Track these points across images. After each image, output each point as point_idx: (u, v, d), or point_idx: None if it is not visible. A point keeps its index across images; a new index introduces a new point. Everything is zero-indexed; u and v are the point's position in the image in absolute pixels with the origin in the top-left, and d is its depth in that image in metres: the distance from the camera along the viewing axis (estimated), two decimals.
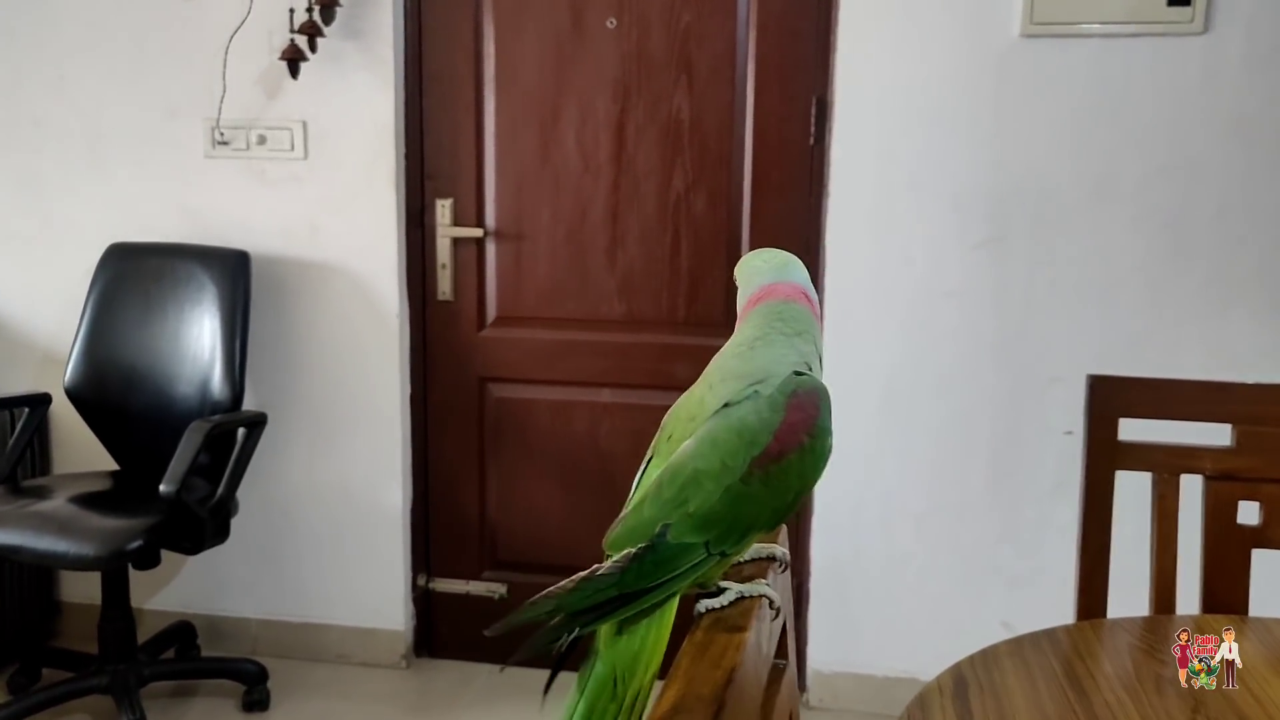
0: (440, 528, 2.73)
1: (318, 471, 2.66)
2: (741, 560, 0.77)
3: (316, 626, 2.71)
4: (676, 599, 0.71)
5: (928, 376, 2.44)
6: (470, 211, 2.60)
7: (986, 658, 1.27)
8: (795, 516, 2.59)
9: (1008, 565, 2.45)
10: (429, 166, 2.61)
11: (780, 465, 0.71)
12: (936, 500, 2.47)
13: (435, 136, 2.59)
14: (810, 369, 0.77)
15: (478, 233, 2.59)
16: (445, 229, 2.60)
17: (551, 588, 0.68)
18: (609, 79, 2.51)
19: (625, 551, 0.69)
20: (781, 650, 0.78)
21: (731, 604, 0.71)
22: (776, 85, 2.47)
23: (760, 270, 0.85)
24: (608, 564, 0.69)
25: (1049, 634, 1.34)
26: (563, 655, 0.71)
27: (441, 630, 2.76)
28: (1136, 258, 2.32)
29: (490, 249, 2.61)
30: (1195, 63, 2.24)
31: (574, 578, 0.68)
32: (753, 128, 2.49)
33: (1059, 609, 1.78)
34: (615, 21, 2.49)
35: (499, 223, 2.60)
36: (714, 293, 2.55)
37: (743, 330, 0.79)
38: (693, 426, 0.73)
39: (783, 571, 0.81)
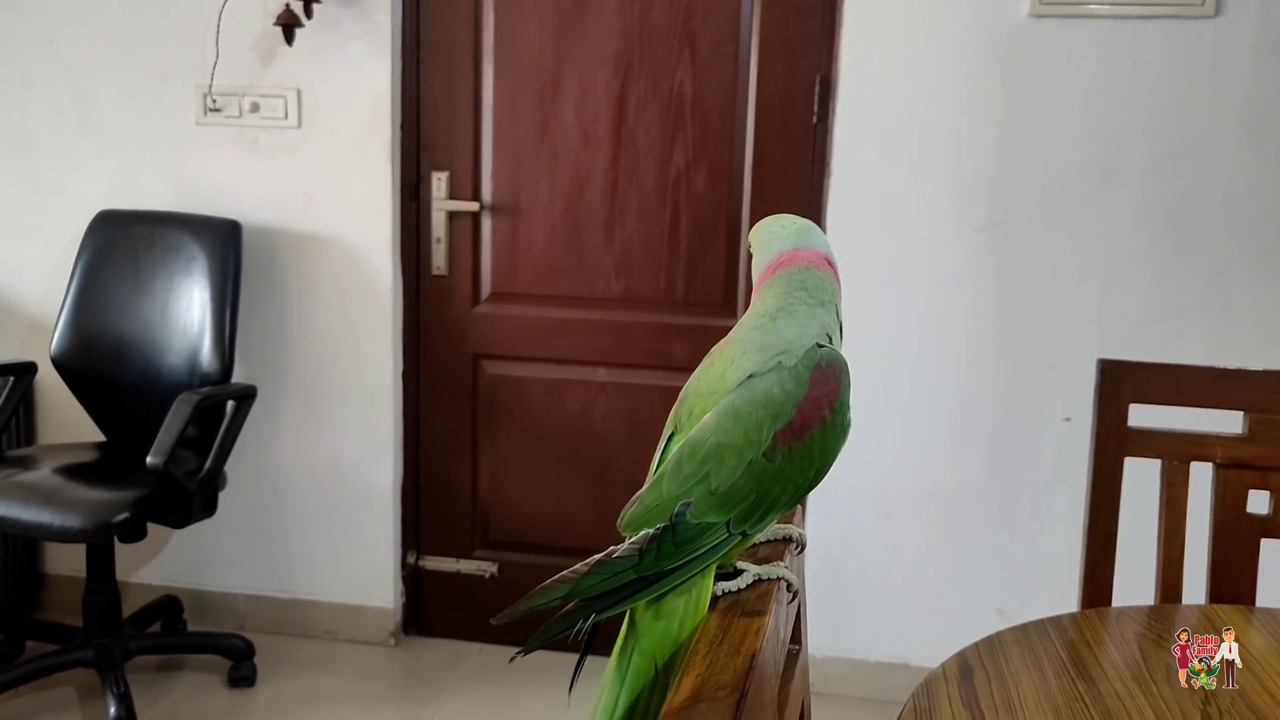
0: (431, 505, 2.70)
1: (308, 446, 2.62)
2: (758, 542, 0.74)
3: (305, 603, 2.68)
4: (710, 578, 0.68)
5: (928, 361, 2.41)
6: (466, 185, 2.56)
7: (992, 645, 1.25)
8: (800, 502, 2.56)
9: (1004, 552, 2.44)
10: (425, 138, 2.56)
11: (803, 440, 0.68)
12: (934, 485, 2.45)
13: (432, 107, 2.55)
14: (831, 340, 0.74)
15: (474, 206, 2.55)
16: (441, 202, 2.56)
17: (564, 571, 0.65)
18: (610, 52, 2.47)
19: (643, 532, 0.66)
20: (795, 635, 0.75)
21: (749, 587, 0.68)
22: (780, 62, 2.43)
23: (779, 236, 0.81)
24: (624, 546, 0.66)
25: (1055, 622, 1.32)
26: (587, 643, 0.67)
27: (431, 608, 2.73)
28: (1141, 244, 2.29)
29: (486, 223, 2.57)
30: (1206, 47, 2.20)
31: (589, 561, 0.65)
32: (755, 105, 2.45)
33: (1055, 597, 1.76)
34: None
35: (495, 197, 2.56)
36: (713, 272, 2.51)
37: (763, 299, 0.76)
38: (713, 400, 0.70)
39: (799, 554, 0.78)
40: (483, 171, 2.56)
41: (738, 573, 0.69)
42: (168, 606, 2.62)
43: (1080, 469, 1.53)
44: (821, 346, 0.72)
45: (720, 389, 0.70)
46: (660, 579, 0.65)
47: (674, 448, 0.72)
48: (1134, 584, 1.54)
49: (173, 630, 2.63)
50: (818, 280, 0.77)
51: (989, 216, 2.34)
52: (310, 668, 2.54)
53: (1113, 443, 1.49)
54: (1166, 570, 1.47)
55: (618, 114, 2.49)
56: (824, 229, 2.42)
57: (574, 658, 0.71)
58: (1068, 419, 2.36)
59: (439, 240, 2.58)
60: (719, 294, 2.52)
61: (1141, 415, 1.49)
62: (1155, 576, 1.48)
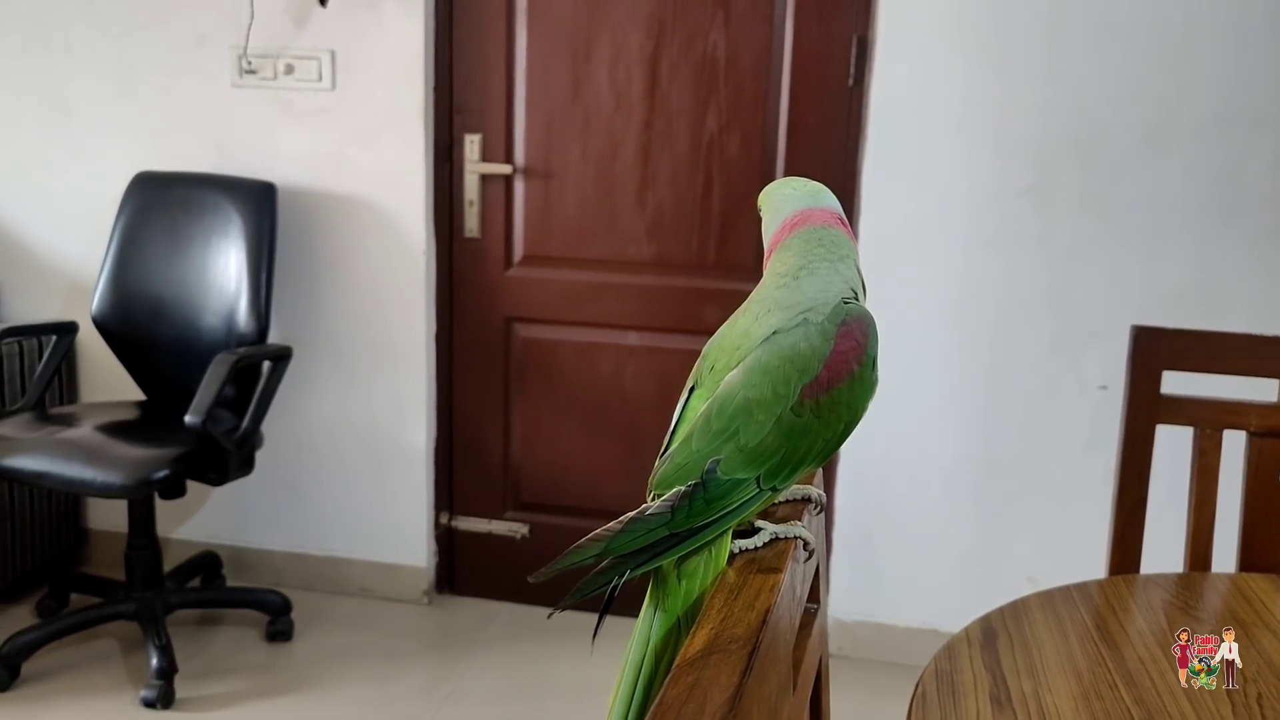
0: (464, 466, 2.73)
1: (343, 407, 2.66)
2: (776, 501, 0.74)
3: (340, 560, 2.73)
4: (729, 537, 0.68)
5: (963, 327, 2.39)
6: (499, 147, 2.56)
7: (1016, 609, 1.25)
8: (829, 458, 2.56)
9: (1036, 521, 2.42)
10: (458, 100, 2.56)
11: (830, 395, 0.69)
12: (966, 452, 2.44)
13: (465, 69, 2.55)
14: (856, 296, 0.74)
15: (506, 169, 2.55)
16: (474, 165, 2.56)
17: (598, 530, 0.65)
18: (644, 14, 2.45)
19: (675, 490, 0.67)
20: (814, 594, 0.75)
21: (766, 545, 0.69)
22: (816, 23, 2.40)
23: (791, 198, 0.81)
24: (656, 503, 0.67)
25: (1080, 588, 1.32)
26: (610, 599, 0.68)
27: (463, 568, 2.77)
28: (1186, 210, 2.25)
29: (519, 186, 2.57)
30: (1259, 6, 2.15)
31: (621, 519, 0.66)
32: (790, 67, 2.43)
33: (1088, 566, 1.75)
34: None
35: (528, 159, 2.56)
36: (745, 236, 2.50)
37: (782, 258, 0.76)
38: (739, 355, 0.70)
39: (818, 514, 0.78)
40: (515, 134, 2.56)
41: (755, 531, 0.70)
42: (207, 562, 2.68)
43: (1116, 439, 1.51)
44: (848, 302, 0.72)
45: (745, 345, 0.70)
46: (692, 535, 0.66)
47: (695, 403, 0.72)
48: (1164, 552, 1.53)
49: (212, 585, 2.69)
50: (834, 238, 0.77)
51: (1028, 181, 2.31)
52: (345, 624, 2.59)
53: (1145, 410, 1.47)
54: (1196, 538, 1.46)
55: (651, 77, 2.48)
56: (859, 193, 2.40)
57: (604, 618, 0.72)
58: (1104, 387, 2.33)
59: (472, 203, 2.58)
60: (750, 258, 2.51)
61: (1177, 383, 1.48)
62: (1185, 545, 1.47)
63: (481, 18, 2.51)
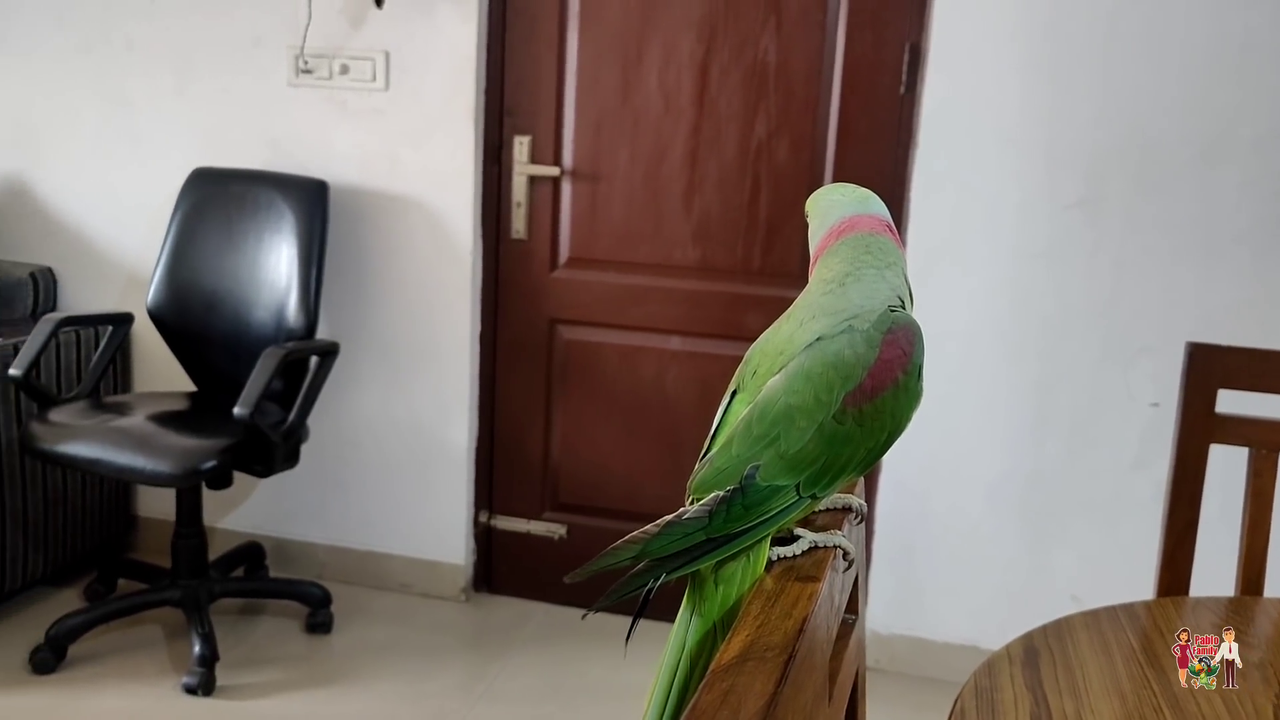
0: (504, 466, 2.74)
1: (387, 404, 2.68)
2: (816, 510, 0.74)
3: (380, 555, 2.75)
4: (767, 544, 0.68)
5: (1010, 339, 2.36)
6: (548, 149, 2.57)
7: (1060, 628, 1.23)
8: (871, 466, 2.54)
9: (1082, 539, 2.38)
10: (509, 102, 2.58)
11: (874, 403, 0.68)
12: (1010, 467, 2.40)
13: (516, 71, 2.56)
14: (903, 304, 0.73)
15: (554, 171, 2.56)
16: (522, 166, 2.58)
17: (635, 532, 0.65)
18: (695, 18, 2.45)
19: (713, 494, 0.66)
20: (852, 605, 0.74)
21: (804, 553, 0.68)
22: (869, 30, 2.39)
23: (839, 204, 0.80)
24: (694, 507, 0.66)
25: (1127, 609, 1.29)
26: (644, 602, 0.68)
27: (501, 567, 2.78)
28: (1241, 225, 2.21)
29: (566, 188, 2.59)
30: None
31: (659, 522, 0.65)
32: (841, 74, 2.42)
33: (1133, 588, 1.72)
34: None
35: (576, 162, 2.57)
36: (791, 243, 2.49)
37: (829, 264, 0.76)
38: (782, 361, 0.69)
39: (858, 523, 0.77)
40: (564, 136, 2.57)
41: (794, 538, 0.69)
42: (251, 553, 2.72)
43: (1167, 456, 1.48)
44: (894, 310, 0.71)
45: (788, 350, 0.70)
46: (729, 541, 0.65)
47: (736, 407, 0.72)
48: (1215, 574, 1.50)
49: (255, 576, 2.72)
50: (883, 245, 0.76)
51: (1080, 192, 2.28)
52: (384, 618, 2.62)
53: (1198, 429, 1.44)
54: (1249, 562, 1.42)
55: (700, 81, 2.47)
56: (907, 201, 2.38)
57: (639, 622, 0.72)
58: (1155, 404, 2.29)
59: (519, 204, 2.60)
60: (796, 265, 2.50)
61: (1232, 402, 1.44)
62: (1236, 568, 1.44)
63: (534, 21, 2.53)
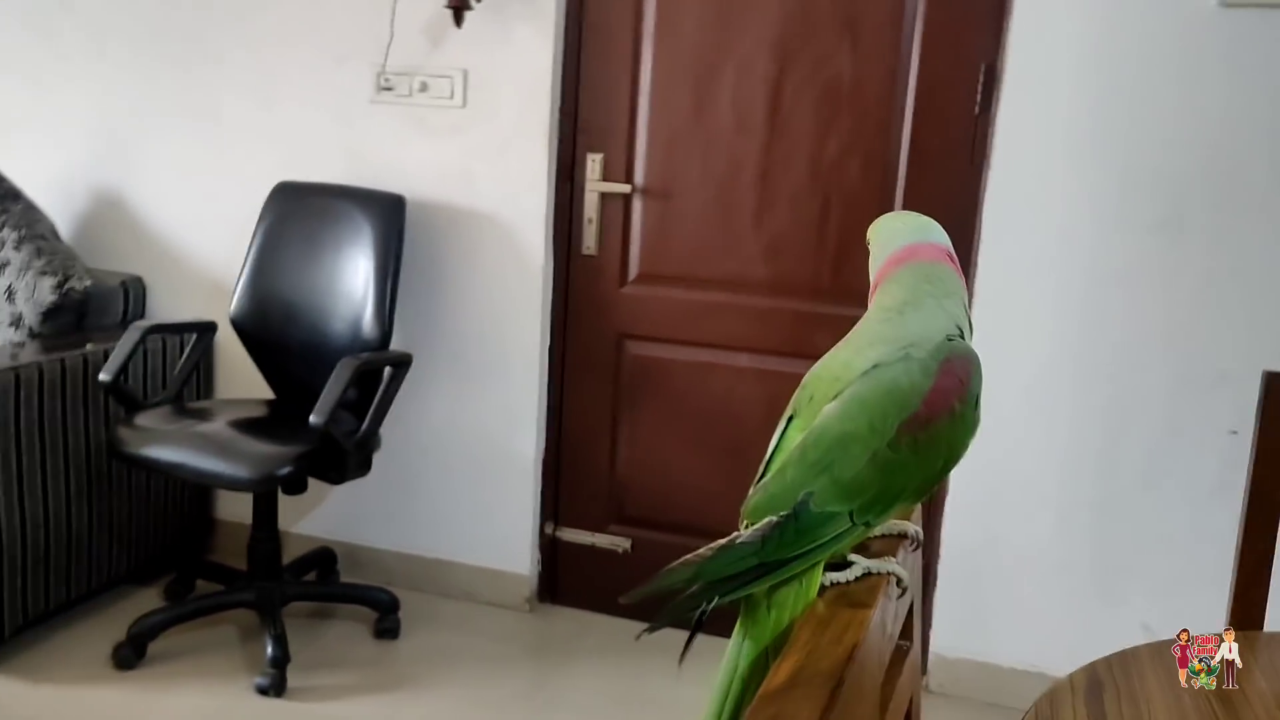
0: (570, 478, 2.77)
1: (457, 414, 2.73)
2: (871, 535, 0.74)
3: (447, 564, 2.80)
4: (820, 569, 0.68)
5: (1083, 363, 2.32)
6: (620, 167, 2.60)
7: (1126, 660, 1.21)
8: (927, 495, 2.52)
9: (1154, 568, 2.33)
10: (582, 120, 2.62)
11: (929, 432, 0.68)
12: (1081, 493, 2.36)
13: (590, 90, 2.60)
14: (962, 334, 0.73)
15: (625, 188, 2.59)
16: (594, 183, 2.61)
17: (689, 555, 0.67)
18: (769, 38, 2.46)
19: (766, 519, 0.67)
20: (906, 631, 0.75)
21: (858, 579, 0.69)
22: (945, 50, 2.37)
23: (900, 231, 0.81)
24: (748, 532, 0.67)
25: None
26: (699, 621, 0.69)
27: (565, 578, 2.81)
28: None
29: (637, 205, 2.61)
30: None
31: (713, 545, 0.66)
32: (915, 93, 2.41)
33: (1206, 620, 1.68)
34: None
35: (647, 179, 2.60)
36: (861, 262, 2.45)
37: (889, 292, 0.76)
38: (838, 387, 0.70)
39: (914, 550, 0.78)
40: (636, 154, 2.60)
41: (848, 564, 0.70)
42: (323, 557, 2.79)
43: (1244, 486, 1.45)
44: (952, 340, 0.71)
45: (845, 377, 0.70)
46: (782, 566, 0.66)
47: (792, 432, 0.73)
48: None
49: (327, 580, 2.79)
50: (942, 274, 0.76)
51: (1158, 215, 2.23)
52: (449, 625, 2.66)
53: (1275, 458, 1.41)
54: None
55: (773, 100, 2.48)
56: (979, 222, 2.36)
57: (697, 637, 0.73)
58: (1234, 432, 2.23)
59: (590, 220, 2.63)
60: (866, 284, 2.48)
61: None
62: None
63: (609, 40, 2.57)
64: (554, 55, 2.54)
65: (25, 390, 2.30)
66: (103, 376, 2.37)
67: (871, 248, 0.83)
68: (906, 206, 2.45)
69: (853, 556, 0.71)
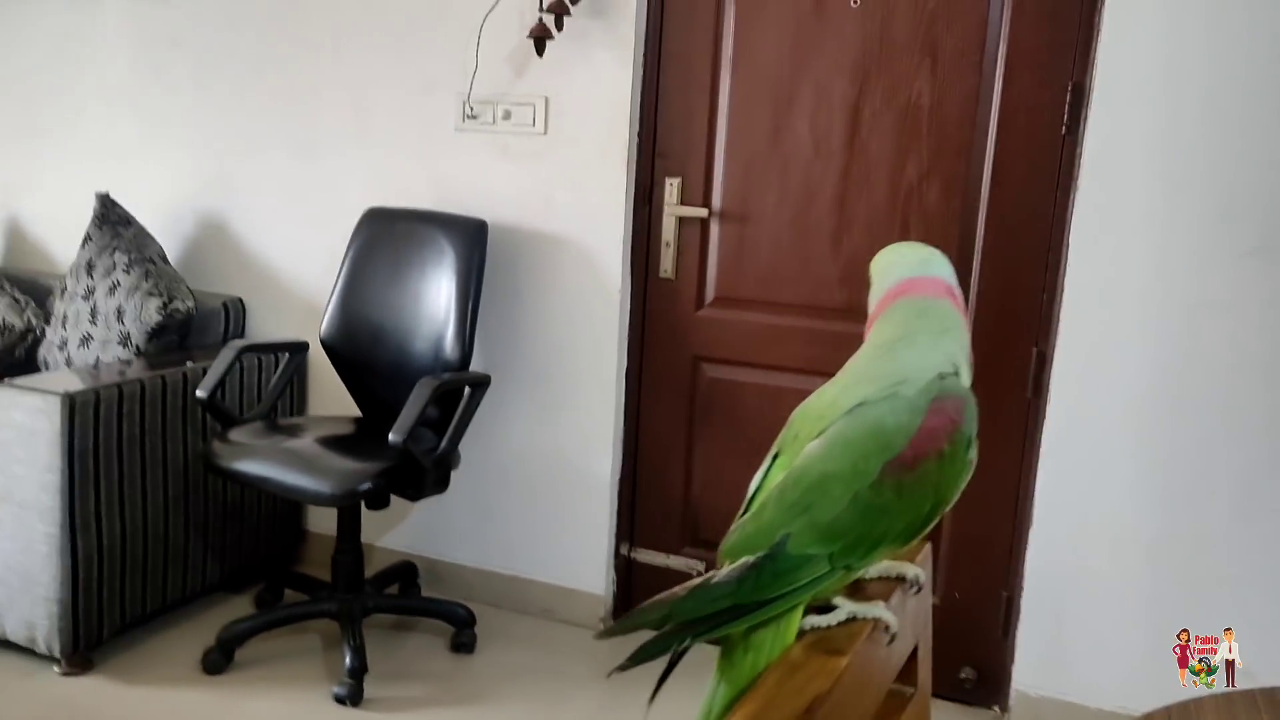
0: (646, 500, 2.79)
1: (535, 434, 2.77)
2: (869, 578, 0.73)
3: (524, 581, 2.84)
4: (799, 612, 0.67)
5: (1176, 392, 2.23)
6: (697, 191, 2.61)
7: (1188, 711, 1.16)
8: (1011, 526, 2.45)
9: (1253, 608, 2.22)
10: (661, 145, 2.64)
11: (915, 473, 0.66)
12: (1173, 528, 2.26)
13: (669, 115, 2.62)
14: (957, 372, 0.71)
15: (702, 213, 2.60)
16: (672, 207, 2.63)
17: (663, 594, 0.67)
18: (847, 62, 2.44)
19: (742, 560, 0.67)
20: (910, 676, 0.73)
21: (841, 624, 0.68)
22: (1030, 70, 2.32)
23: (897, 264, 0.79)
24: (723, 572, 0.67)
25: (1269, 694, 1.20)
26: (673, 662, 0.69)
27: (640, 598, 2.79)
28: None
29: (714, 229, 2.62)
30: None
31: (687, 584, 0.66)
32: (998, 115, 2.36)
33: None
34: (859, 1, 2.42)
35: (725, 203, 2.60)
36: None
37: (880, 329, 0.74)
38: (822, 425, 0.69)
39: (915, 594, 0.76)
40: (714, 178, 2.60)
41: (832, 608, 0.69)
42: (406, 571, 2.86)
43: None
44: (944, 378, 0.69)
45: (830, 415, 0.69)
46: (758, 608, 0.65)
47: (775, 470, 0.72)
48: None
49: (408, 593, 2.86)
50: (939, 309, 0.74)
51: (1257, 239, 2.14)
52: (525, 642, 2.69)
53: None
54: None
55: (851, 124, 2.46)
56: (1066, 246, 2.29)
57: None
58: None
59: (668, 244, 2.65)
60: None
61: None
62: None
63: (688, 66, 2.58)
64: (633, 81, 2.57)
65: (128, 404, 2.42)
66: (199, 393, 2.48)
67: (872, 281, 0.81)
68: (988, 230, 2.39)
69: (838, 600, 0.69)
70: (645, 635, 0.72)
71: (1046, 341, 2.37)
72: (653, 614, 0.66)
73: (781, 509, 0.67)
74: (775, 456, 0.73)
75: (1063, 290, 2.30)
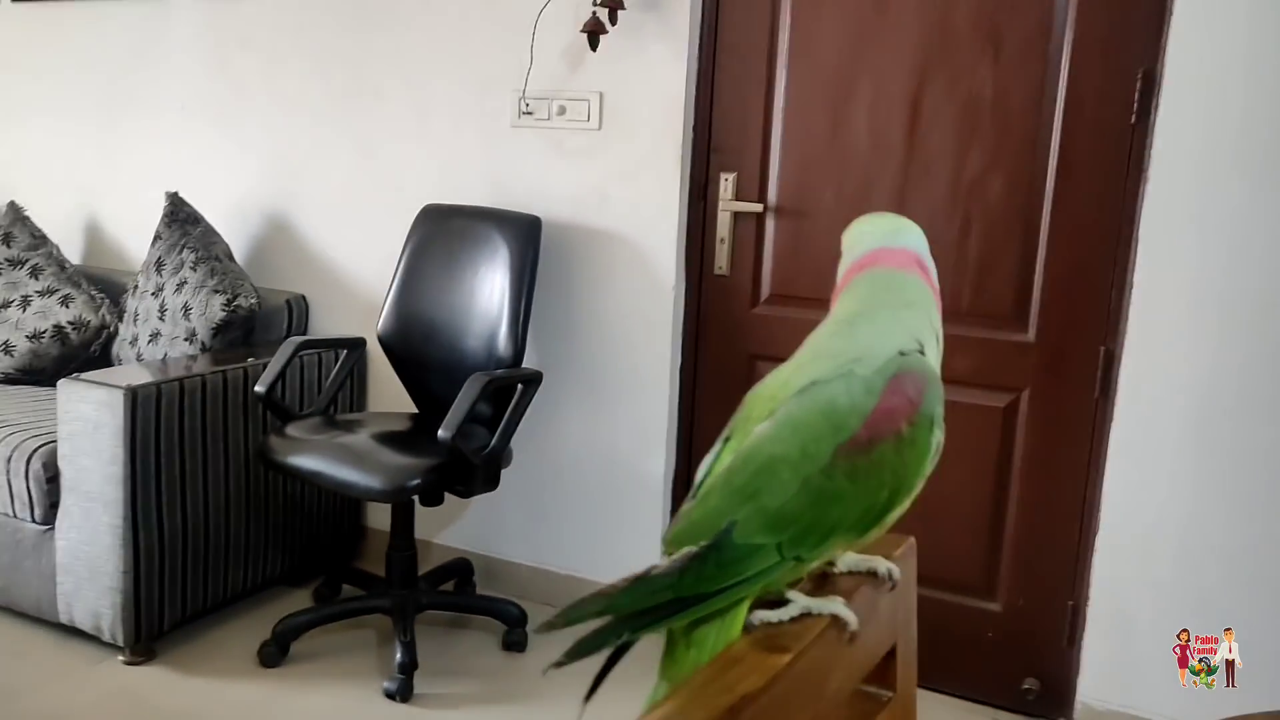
0: None
1: (587, 432, 2.76)
2: (839, 571, 0.68)
3: (577, 580, 2.83)
4: (745, 607, 0.63)
5: (1256, 393, 2.11)
6: (753, 186, 2.57)
7: None
8: (1076, 532, 2.35)
9: None
10: (716, 139, 2.60)
11: (870, 457, 0.60)
12: (1252, 538, 2.14)
13: (724, 109, 2.58)
14: (922, 349, 0.66)
15: (758, 208, 2.56)
16: (726, 203, 2.59)
17: (604, 586, 0.63)
18: (907, 54, 2.38)
19: (685, 550, 0.63)
20: (888, 679, 0.69)
21: (795, 620, 0.64)
22: (1097, 57, 2.22)
23: (867, 235, 0.74)
24: (665, 563, 0.63)
25: None
26: (612, 660, 0.66)
27: None
28: None
29: (769, 225, 2.57)
30: None
31: (627, 577, 0.63)
32: (1064, 104, 2.26)
33: None
34: None
35: (780, 199, 2.55)
36: (1003, 283, 2.35)
37: (842, 303, 0.70)
38: (773, 406, 0.64)
39: (889, 589, 0.71)
40: (770, 173, 2.56)
41: (784, 602, 0.65)
42: (461, 568, 2.87)
43: None
44: (905, 354, 0.64)
45: (781, 396, 0.64)
46: (701, 601, 0.61)
47: (725, 454, 0.67)
48: None
49: (463, 590, 2.87)
50: (905, 282, 0.69)
51: None
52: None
53: None
54: None
55: (911, 117, 2.39)
56: (1136, 240, 2.19)
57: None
58: None
59: (722, 240, 2.61)
60: (1008, 307, 2.35)
61: None
62: None
63: (744, 60, 2.54)
64: (688, 76, 2.54)
65: (189, 399, 2.48)
66: (257, 388, 2.52)
67: (842, 252, 0.76)
68: (1053, 224, 2.30)
69: (790, 594, 0.65)
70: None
71: (1115, 340, 2.27)
72: (590, 607, 0.63)
73: (727, 495, 0.62)
74: (726, 440, 0.69)
75: (1132, 287, 2.20)
